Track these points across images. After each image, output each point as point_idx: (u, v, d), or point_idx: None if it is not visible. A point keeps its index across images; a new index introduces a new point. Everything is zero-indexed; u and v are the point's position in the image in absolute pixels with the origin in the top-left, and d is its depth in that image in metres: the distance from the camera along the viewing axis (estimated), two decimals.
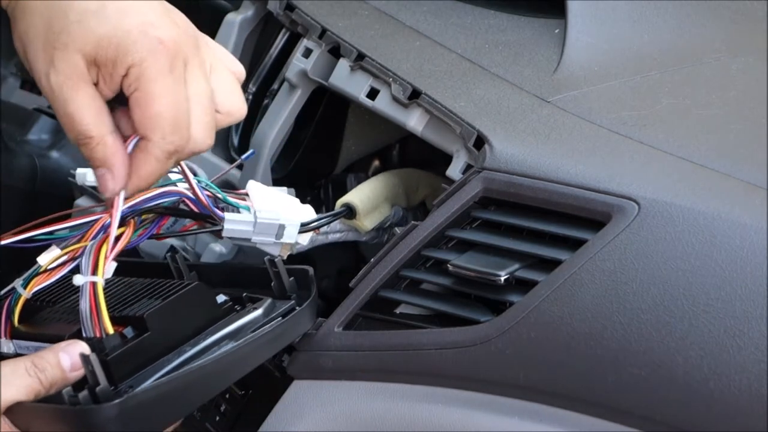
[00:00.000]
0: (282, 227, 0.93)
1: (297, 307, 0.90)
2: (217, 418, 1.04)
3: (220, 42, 1.18)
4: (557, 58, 1.03)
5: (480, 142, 0.94)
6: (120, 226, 0.86)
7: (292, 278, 0.92)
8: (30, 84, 1.48)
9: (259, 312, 0.89)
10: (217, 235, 0.93)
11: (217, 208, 0.92)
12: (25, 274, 0.87)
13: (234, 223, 0.91)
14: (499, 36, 1.08)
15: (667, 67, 1.02)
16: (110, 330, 0.82)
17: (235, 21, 1.19)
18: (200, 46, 0.84)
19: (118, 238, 0.85)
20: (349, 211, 1.01)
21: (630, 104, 0.96)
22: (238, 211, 0.93)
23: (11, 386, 0.80)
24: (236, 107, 0.87)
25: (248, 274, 0.94)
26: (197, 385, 0.83)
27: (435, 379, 0.89)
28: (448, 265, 0.90)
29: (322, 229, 1.01)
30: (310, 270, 0.93)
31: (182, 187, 0.90)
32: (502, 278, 0.87)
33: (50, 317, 0.89)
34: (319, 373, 0.93)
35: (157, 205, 0.89)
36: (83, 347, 0.81)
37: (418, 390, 0.89)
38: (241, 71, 0.88)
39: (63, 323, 0.87)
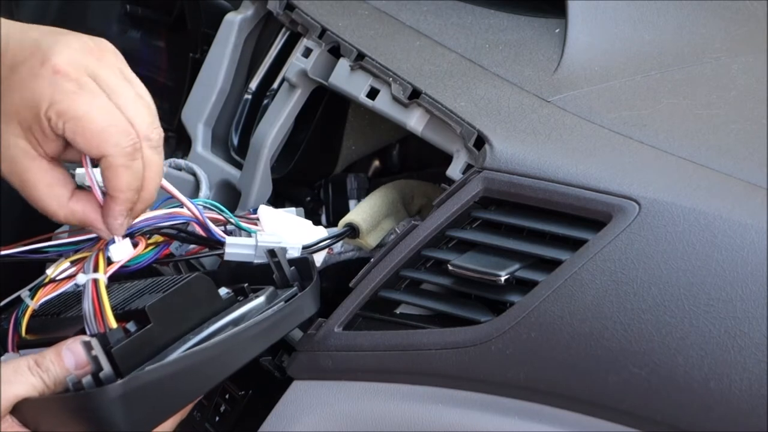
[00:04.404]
0: (283, 250, 0.93)
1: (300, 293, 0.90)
2: (217, 418, 1.04)
3: (220, 42, 1.19)
4: (557, 58, 1.03)
5: (480, 141, 0.94)
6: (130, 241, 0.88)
7: (293, 267, 0.92)
8: None
9: (261, 299, 0.88)
10: (219, 258, 0.93)
11: (225, 231, 0.93)
12: (32, 284, 0.87)
13: (235, 247, 0.93)
14: (499, 36, 1.08)
15: (667, 67, 1.02)
16: (113, 324, 0.81)
17: (234, 21, 1.19)
18: (104, 55, 0.84)
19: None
20: (352, 231, 1.02)
21: (630, 104, 0.96)
22: (242, 235, 0.94)
23: (14, 384, 0.80)
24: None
25: (251, 271, 0.94)
26: (203, 368, 0.82)
27: (435, 380, 0.89)
28: (449, 265, 0.90)
29: (335, 249, 1.02)
30: (311, 257, 0.93)
31: (187, 210, 0.91)
32: (503, 278, 0.87)
33: (55, 326, 0.89)
34: (319, 374, 0.93)
35: (164, 226, 0.90)
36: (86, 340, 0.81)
37: (419, 390, 0.89)
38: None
39: (68, 328, 0.87)
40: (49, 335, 0.88)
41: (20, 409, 0.80)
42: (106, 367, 0.78)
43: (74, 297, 0.90)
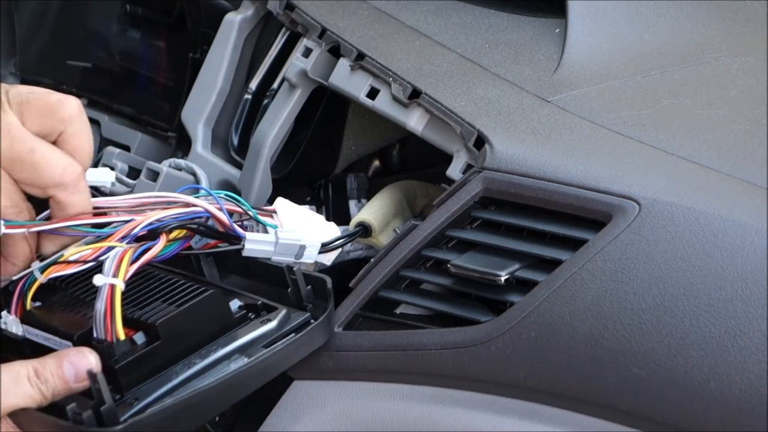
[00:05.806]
0: (302, 248, 0.93)
1: (312, 320, 0.90)
2: (217, 418, 1.04)
3: (220, 42, 1.18)
4: (557, 58, 1.03)
5: (480, 141, 0.94)
6: (152, 238, 0.88)
7: (309, 287, 0.91)
8: (29, 83, 1.48)
9: (272, 325, 0.88)
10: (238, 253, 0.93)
11: (241, 224, 0.93)
12: (46, 261, 0.87)
13: (255, 243, 0.92)
14: (499, 35, 1.08)
15: (667, 67, 1.02)
16: (122, 336, 0.81)
17: (234, 21, 1.18)
18: None
19: (147, 249, 0.86)
20: (365, 230, 1.02)
21: (630, 104, 0.96)
22: (266, 230, 0.93)
23: (12, 394, 0.80)
24: None
25: (265, 268, 0.94)
26: (202, 404, 0.82)
27: (435, 380, 0.89)
28: (449, 265, 0.90)
29: (345, 248, 1.03)
30: (329, 281, 0.92)
31: (208, 205, 0.91)
32: (503, 278, 0.87)
33: (63, 305, 0.89)
34: (319, 373, 0.93)
35: (186, 221, 0.90)
36: (89, 361, 0.81)
37: (419, 390, 0.89)
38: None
39: (75, 315, 0.87)
40: (54, 319, 0.87)
41: (17, 414, 0.81)
42: (109, 401, 0.78)
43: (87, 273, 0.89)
